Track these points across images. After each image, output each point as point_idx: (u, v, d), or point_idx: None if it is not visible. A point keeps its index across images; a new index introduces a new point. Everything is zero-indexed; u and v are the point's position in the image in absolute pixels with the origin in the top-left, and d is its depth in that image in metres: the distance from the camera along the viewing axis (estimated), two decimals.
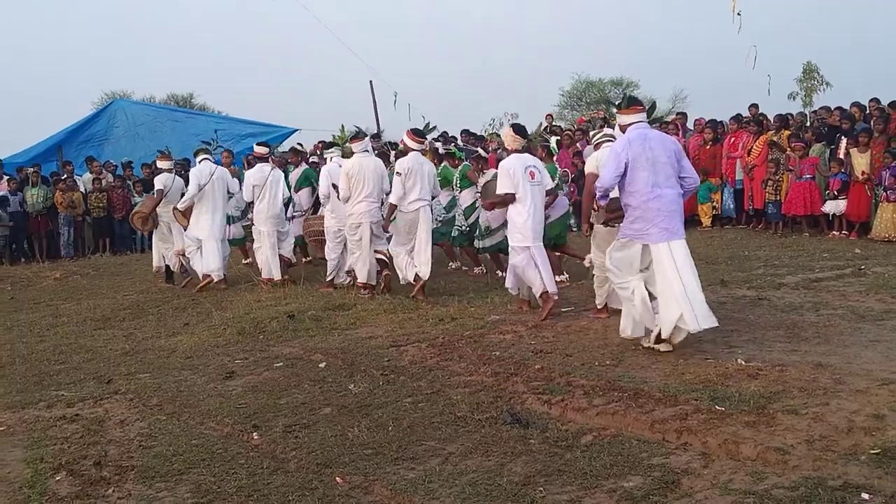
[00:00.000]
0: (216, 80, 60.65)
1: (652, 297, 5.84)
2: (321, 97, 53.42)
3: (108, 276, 12.97)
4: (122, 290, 11.33)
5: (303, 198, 11.84)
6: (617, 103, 6.30)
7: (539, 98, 58.13)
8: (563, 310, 7.49)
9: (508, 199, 7.46)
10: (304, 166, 12.25)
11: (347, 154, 9.45)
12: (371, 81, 20.61)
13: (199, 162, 10.77)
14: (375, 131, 17.44)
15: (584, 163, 10.55)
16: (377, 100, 20.53)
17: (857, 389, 4.59)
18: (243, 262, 12.11)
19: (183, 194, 10.67)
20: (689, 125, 15.46)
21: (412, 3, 76.53)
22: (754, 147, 13.27)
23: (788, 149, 12.78)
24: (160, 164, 11.33)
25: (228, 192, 10.92)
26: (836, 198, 11.98)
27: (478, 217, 9.82)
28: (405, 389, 5.39)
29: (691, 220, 14.39)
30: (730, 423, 4.23)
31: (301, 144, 14.06)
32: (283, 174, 10.92)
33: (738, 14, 14.61)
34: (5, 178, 15.75)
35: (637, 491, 3.59)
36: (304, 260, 11.98)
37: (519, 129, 7.77)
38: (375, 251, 9.09)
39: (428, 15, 72.60)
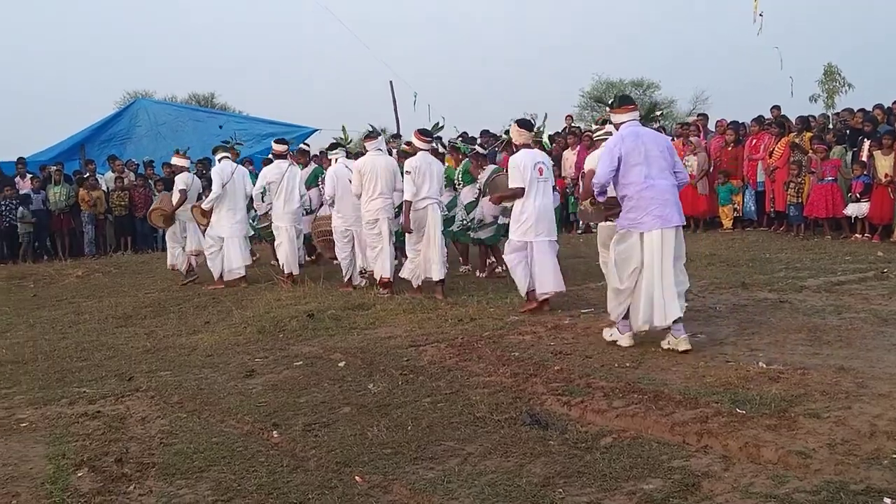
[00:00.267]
0: (237, 81, 61.14)
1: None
2: (342, 98, 53.63)
3: (130, 274, 13.10)
4: (144, 288, 11.44)
5: (313, 196, 11.88)
6: (609, 102, 6.39)
7: (560, 100, 58.29)
8: (583, 311, 7.46)
9: (518, 193, 7.49)
10: (313, 165, 12.29)
11: (354, 153, 9.47)
12: (391, 82, 20.69)
13: (219, 160, 10.79)
14: (395, 132, 17.46)
15: None
16: (397, 101, 20.62)
17: (879, 393, 4.55)
18: (272, 262, 12.16)
19: (200, 194, 10.70)
20: (711, 126, 15.38)
21: (423, 4, 76.82)
22: (776, 149, 13.17)
23: (810, 151, 12.68)
24: (176, 161, 11.35)
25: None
26: (858, 200, 11.89)
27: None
28: (424, 389, 5.39)
29: (713, 222, 14.35)
30: (751, 426, 4.19)
31: (308, 144, 14.08)
32: (299, 171, 10.95)
33: (761, 15, 14.55)
34: (29, 176, 15.94)
35: (657, 493, 3.57)
36: (307, 258, 12.04)
37: (524, 124, 7.83)
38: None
39: (440, 17, 72.87)
